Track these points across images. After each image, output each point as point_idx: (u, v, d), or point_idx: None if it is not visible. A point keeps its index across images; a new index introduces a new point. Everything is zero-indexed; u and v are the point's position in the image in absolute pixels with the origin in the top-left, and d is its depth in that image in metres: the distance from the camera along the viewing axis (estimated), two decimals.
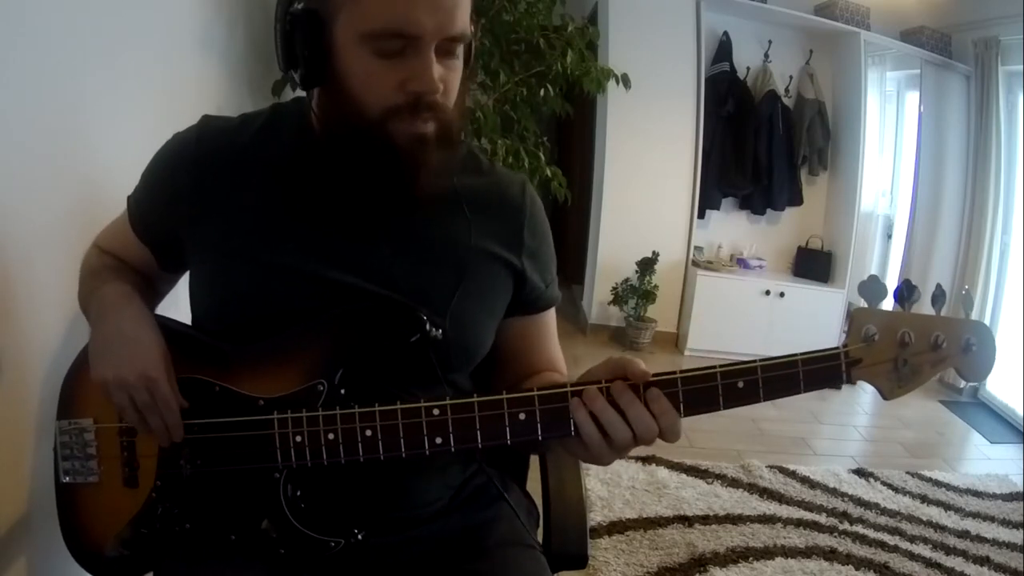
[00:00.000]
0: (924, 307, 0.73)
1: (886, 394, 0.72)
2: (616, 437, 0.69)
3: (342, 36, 0.71)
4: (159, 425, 0.76)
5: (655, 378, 0.69)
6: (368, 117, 0.73)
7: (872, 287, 0.72)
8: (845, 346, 0.71)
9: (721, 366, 0.70)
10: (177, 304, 0.88)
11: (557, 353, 0.95)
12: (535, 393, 0.71)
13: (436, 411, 0.72)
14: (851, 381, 0.72)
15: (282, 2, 0.73)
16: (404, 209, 0.81)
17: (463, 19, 0.72)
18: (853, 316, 0.72)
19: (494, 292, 0.87)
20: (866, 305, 0.72)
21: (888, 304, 0.72)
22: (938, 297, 0.72)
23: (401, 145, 0.74)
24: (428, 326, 0.77)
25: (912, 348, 0.71)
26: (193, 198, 0.82)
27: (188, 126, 0.86)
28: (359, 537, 0.79)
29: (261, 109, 0.87)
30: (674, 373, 0.70)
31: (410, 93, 0.72)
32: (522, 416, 0.71)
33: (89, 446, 0.82)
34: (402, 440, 0.73)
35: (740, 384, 0.70)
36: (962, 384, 3.85)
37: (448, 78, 0.74)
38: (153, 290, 0.93)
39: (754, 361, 0.70)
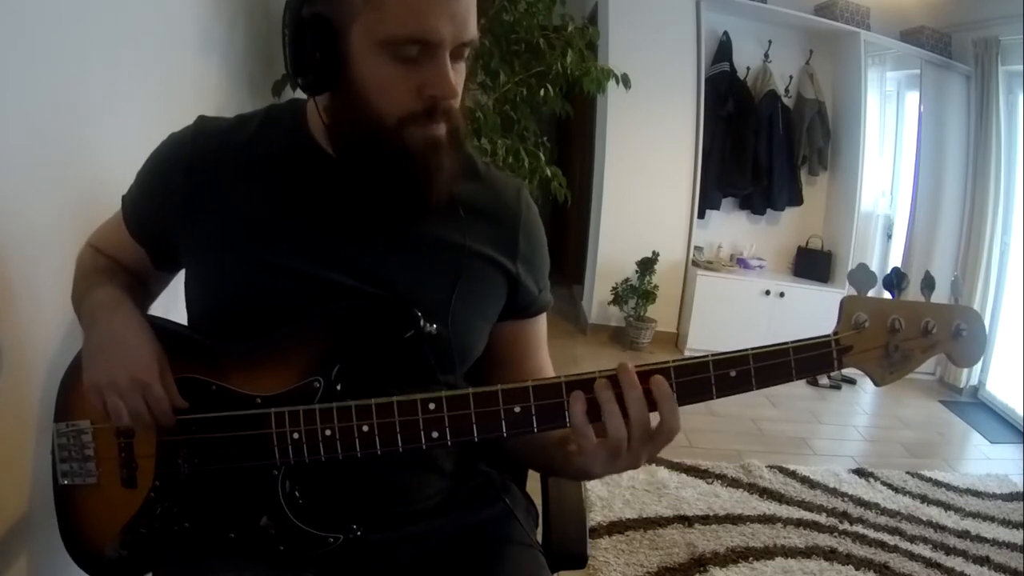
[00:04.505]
0: (915, 297, 0.73)
1: (877, 380, 0.72)
2: (610, 424, 0.68)
3: (358, 42, 0.71)
4: (151, 425, 0.77)
5: (647, 367, 0.70)
6: (385, 123, 0.73)
7: (861, 275, 0.72)
8: (836, 333, 0.71)
9: (713, 355, 0.70)
10: (177, 305, 0.88)
11: (546, 361, 0.94)
12: (529, 385, 0.72)
13: (432, 405, 0.73)
14: (842, 367, 0.72)
15: (291, 8, 0.73)
16: (416, 213, 0.81)
17: (474, 24, 0.73)
18: (844, 304, 0.72)
19: (487, 294, 0.87)
20: (856, 293, 0.72)
21: (878, 293, 0.73)
22: (927, 284, 0.72)
23: (416, 150, 0.74)
24: (422, 322, 0.77)
25: (902, 334, 0.71)
26: (187, 198, 0.82)
27: (185, 126, 0.86)
28: (357, 533, 0.80)
29: (256, 110, 0.87)
30: (667, 363, 0.70)
31: (427, 98, 0.73)
32: (517, 409, 0.72)
33: (87, 448, 0.82)
34: (399, 435, 0.73)
35: (733, 373, 0.70)
36: (962, 384, 3.85)
37: (458, 81, 0.75)
38: (146, 290, 0.93)
39: (746, 350, 0.70)
